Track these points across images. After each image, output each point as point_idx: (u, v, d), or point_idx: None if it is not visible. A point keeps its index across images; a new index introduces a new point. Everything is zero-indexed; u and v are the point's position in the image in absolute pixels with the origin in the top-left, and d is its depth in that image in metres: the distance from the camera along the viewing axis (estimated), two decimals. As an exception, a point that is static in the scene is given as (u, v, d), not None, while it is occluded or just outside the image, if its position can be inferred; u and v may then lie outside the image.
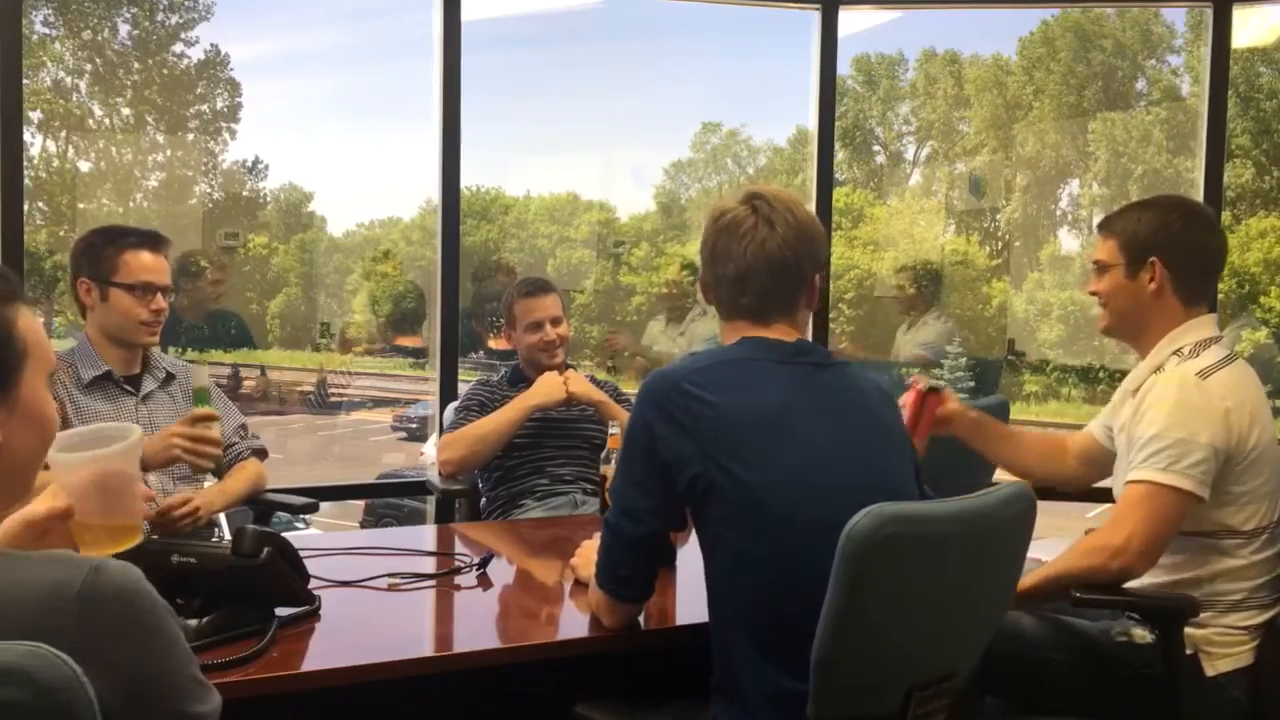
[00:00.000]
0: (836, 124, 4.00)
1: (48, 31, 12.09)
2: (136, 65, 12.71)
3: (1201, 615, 1.95)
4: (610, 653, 1.82)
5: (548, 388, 2.94)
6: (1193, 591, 1.97)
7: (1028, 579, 1.91)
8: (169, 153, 13.32)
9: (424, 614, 2.06)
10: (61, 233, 11.42)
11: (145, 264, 2.54)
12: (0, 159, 3.12)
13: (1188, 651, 1.94)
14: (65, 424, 2.41)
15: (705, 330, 5.22)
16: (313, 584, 1.84)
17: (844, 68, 15.71)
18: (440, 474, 2.96)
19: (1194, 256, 2.10)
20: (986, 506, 1.54)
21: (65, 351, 2.57)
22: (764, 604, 1.59)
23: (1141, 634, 1.97)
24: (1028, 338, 13.57)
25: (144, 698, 1.02)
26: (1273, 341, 12.43)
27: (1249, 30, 4.76)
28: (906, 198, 16.52)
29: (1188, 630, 1.94)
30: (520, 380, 3.08)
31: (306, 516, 6.80)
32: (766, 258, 1.69)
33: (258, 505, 2.71)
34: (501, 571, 2.35)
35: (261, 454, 2.75)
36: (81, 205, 12.25)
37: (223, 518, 2.76)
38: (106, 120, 13.24)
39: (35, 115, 11.60)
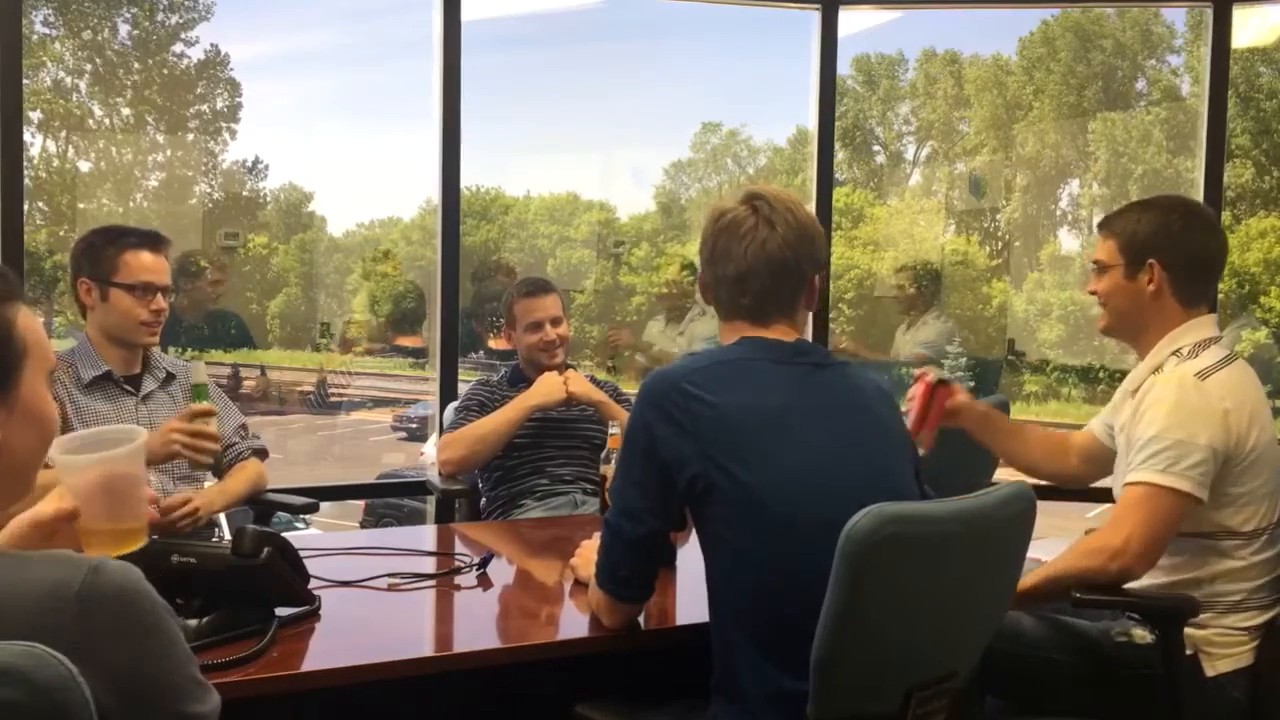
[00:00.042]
0: (836, 124, 4.00)
1: (48, 31, 12.10)
2: (136, 65, 12.72)
3: (1201, 616, 1.95)
4: (610, 653, 1.82)
5: (548, 388, 2.94)
6: (1193, 592, 1.97)
7: (1027, 579, 1.91)
8: (169, 153, 13.33)
9: (424, 614, 2.06)
10: (61, 233, 11.42)
11: (145, 264, 2.54)
12: (0, 159, 3.12)
13: (1188, 652, 1.94)
14: (65, 424, 2.41)
15: (704, 330, 5.22)
16: (313, 584, 1.84)
17: (844, 68, 15.70)
18: (440, 474, 2.96)
19: (1193, 257, 2.09)
20: (986, 506, 1.54)
21: (65, 351, 2.57)
22: (764, 604, 1.59)
23: (1141, 634, 1.97)
24: (1028, 338, 13.57)
25: (143, 697, 1.02)
26: (1273, 341, 12.43)
27: (1249, 30, 4.76)
28: (906, 198, 16.53)
29: (1188, 631, 1.94)
30: (520, 380, 3.08)
31: (306, 516, 6.80)
32: (767, 258, 1.69)
33: (258, 505, 2.71)
34: (501, 571, 2.35)
35: (262, 454, 2.75)
36: (81, 205, 12.26)
37: (223, 518, 2.76)
38: (106, 120, 13.25)
39: (35, 115, 11.61)
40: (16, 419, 1.10)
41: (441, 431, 3.26)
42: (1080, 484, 2.46)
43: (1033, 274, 14.85)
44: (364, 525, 7.62)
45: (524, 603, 2.19)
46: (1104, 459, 2.28)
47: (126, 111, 13.11)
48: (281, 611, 1.73)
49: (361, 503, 8.03)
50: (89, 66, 12.56)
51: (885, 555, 1.44)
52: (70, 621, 0.97)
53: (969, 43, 15.99)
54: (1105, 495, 2.23)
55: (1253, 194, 14.49)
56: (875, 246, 13.86)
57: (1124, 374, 2.22)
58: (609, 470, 2.25)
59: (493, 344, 9.36)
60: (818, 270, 1.77)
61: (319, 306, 13.77)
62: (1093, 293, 2.18)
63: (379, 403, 12.81)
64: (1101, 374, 11.66)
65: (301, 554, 1.78)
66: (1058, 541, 2.59)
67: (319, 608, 1.83)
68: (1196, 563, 1.98)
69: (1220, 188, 3.74)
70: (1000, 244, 15.67)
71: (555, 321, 3.05)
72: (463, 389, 3.31)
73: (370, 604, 1.95)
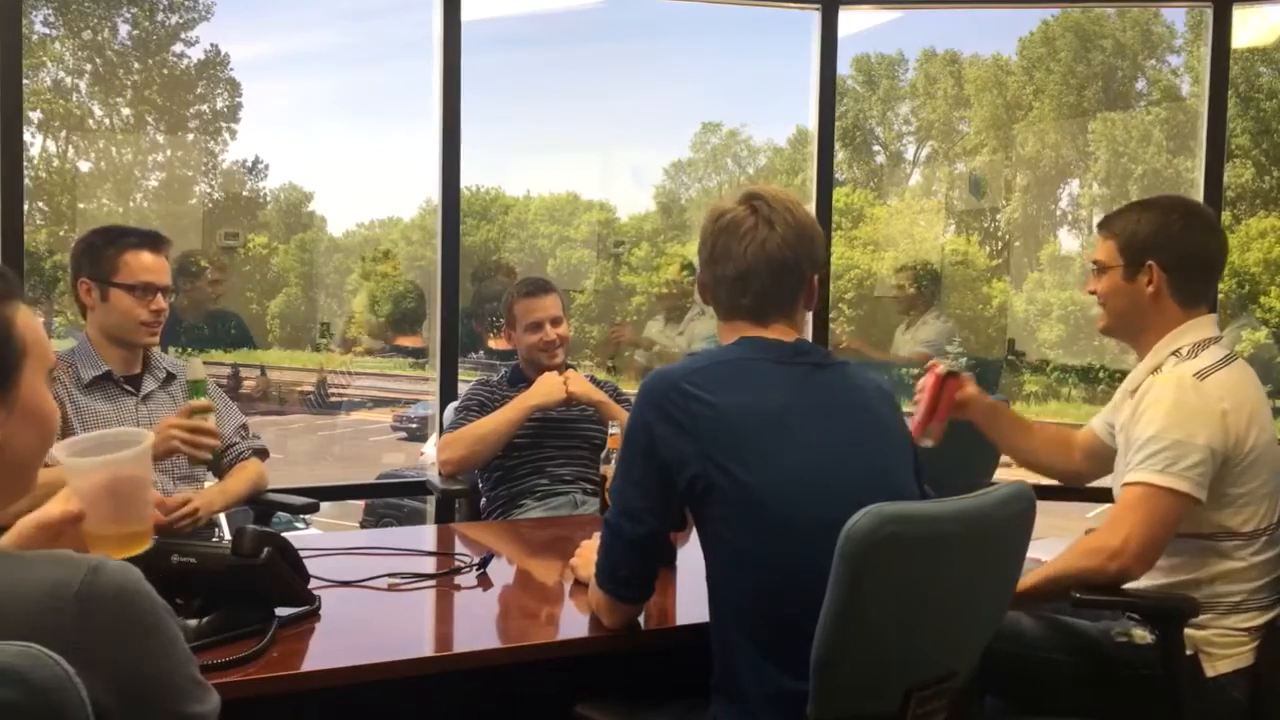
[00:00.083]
0: (836, 124, 4.00)
1: (48, 31, 12.11)
2: (136, 65, 12.72)
3: (1201, 617, 1.94)
4: (610, 653, 1.82)
5: (548, 388, 2.94)
6: (1193, 593, 1.96)
7: (1026, 579, 1.91)
8: (169, 153, 13.34)
9: (424, 614, 2.06)
10: (61, 233, 11.43)
11: (145, 264, 2.54)
12: (0, 159, 3.12)
13: (1188, 652, 1.94)
14: (65, 424, 2.41)
15: (704, 330, 5.21)
16: (313, 584, 1.84)
17: (844, 68, 15.72)
18: (440, 474, 2.96)
19: (1193, 258, 2.09)
20: (986, 506, 1.54)
21: (65, 351, 2.57)
22: (764, 604, 1.59)
23: (1142, 634, 1.97)
24: (1028, 338, 13.57)
25: (142, 698, 1.02)
26: (1273, 341, 12.44)
27: (1249, 30, 4.77)
28: (906, 198, 16.54)
29: (1188, 631, 1.93)
30: (520, 380, 3.08)
31: (306, 516, 6.80)
32: (767, 258, 1.69)
33: (258, 505, 2.71)
34: (501, 571, 2.35)
35: (262, 454, 2.75)
36: (81, 205, 12.26)
37: (223, 518, 2.76)
38: (106, 120, 13.26)
39: (35, 115, 11.62)
40: (16, 418, 1.11)
41: (441, 431, 3.26)
42: (1082, 481, 2.46)
43: (1033, 274, 14.86)
44: (364, 525, 7.61)
45: (524, 603, 2.19)
46: (1105, 456, 2.28)
47: (126, 111, 13.12)
48: (281, 611, 1.73)
49: (361, 503, 8.03)
50: (89, 66, 12.57)
51: (885, 555, 1.44)
52: (70, 621, 0.97)
53: (969, 43, 16.01)
54: (1105, 495, 2.23)
55: (1253, 194, 14.50)
56: (875, 246, 13.87)
57: (1124, 374, 2.22)
58: (609, 470, 2.25)
59: (493, 344, 9.36)
60: (817, 270, 1.77)
61: (319, 306, 13.77)
62: (1092, 293, 2.18)
63: (379, 403, 12.80)
64: (1101, 374, 11.66)
65: (301, 554, 1.78)
66: (1058, 541, 2.59)
67: (319, 608, 1.82)
68: (1196, 564, 1.98)
69: (1220, 188, 3.74)
70: (1000, 244, 15.68)
71: (555, 321, 3.05)
72: (463, 389, 3.31)
73: (370, 604, 1.95)
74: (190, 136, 13.45)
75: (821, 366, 1.71)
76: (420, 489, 3.72)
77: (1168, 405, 1.94)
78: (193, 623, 1.61)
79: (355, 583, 2.01)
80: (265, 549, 1.65)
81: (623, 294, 13.93)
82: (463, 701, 1.84)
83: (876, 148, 17.31)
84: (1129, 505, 1.93)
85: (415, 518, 7.02)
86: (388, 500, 7.78)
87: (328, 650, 1.74)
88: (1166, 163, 14.28)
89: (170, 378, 2.67)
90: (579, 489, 2.95)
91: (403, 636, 1.91)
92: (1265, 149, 14.67)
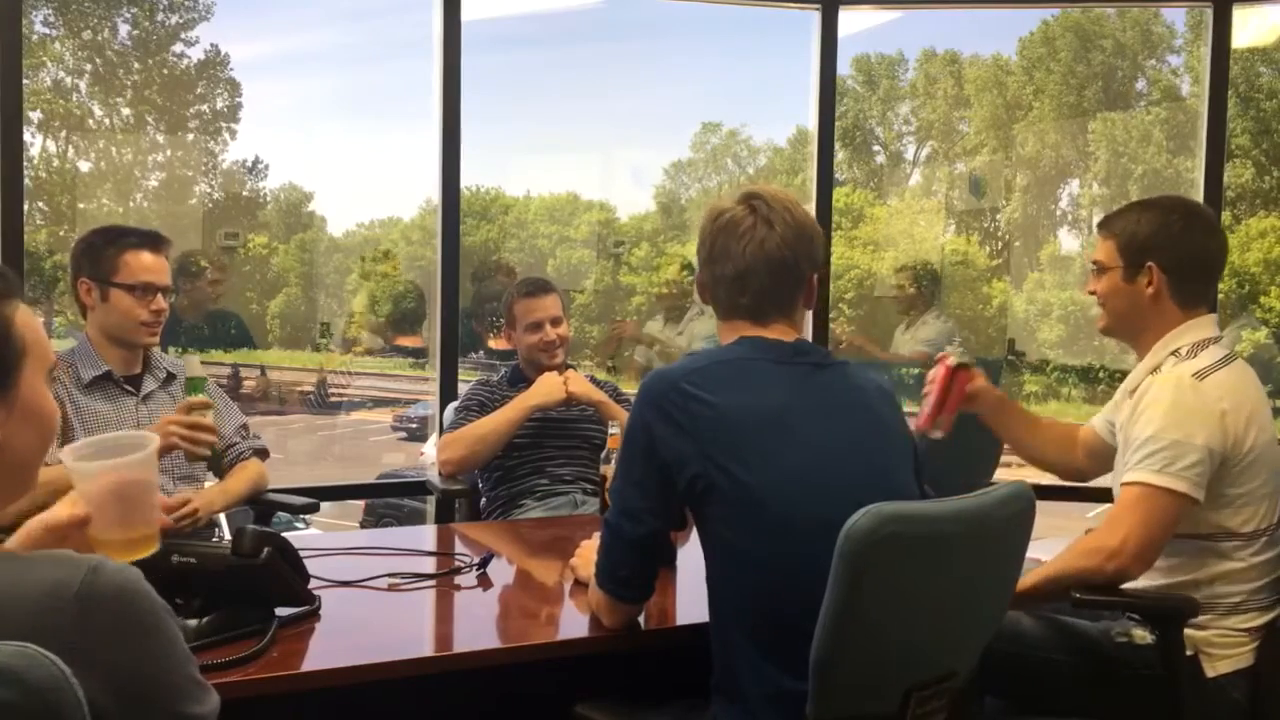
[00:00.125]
0: (836, 124, 4.00)
1: (48, 31, 12.11)
2: (136, 65, 12.73)
3: (1201, 617, 1.94)
4: (610, 653, 1.82)
5: (548, 388, 2.94)
6: (1192, 594, 1.96)
7: (1026, 579, 1.91)
8: (169, 153, 13.34)
9: (424, 614, 2.06)
10: (61, 233, 11.43)
11: (145, 264, 2.54)
12: (0, 159, 3.12)
13: (1188, 652, 1.94)
14: (65, 424, 2.41)
15: (704, 330, 5.21)
16: (313, 584, 1.84)
17: (844, 68, 15.71)
18: (440, 474, 2.96)
19: (1193, 259, 2.08)
20: (986, 506, 1.54)
21: (65, 351, 2.57)
22: (764, 604, 1.59)
23: (1141, 635, 1.97)
24: (1028, 338, 13.57)
25: (142, 698, 1.02)
26: (1273, 341, 12.44)
27: (1249, 30, 4.77)
28: (906, 198, 16.54)
29: (1188, 631, 1.93)
30: (520, 380, 3.08)
31: (306, 516, 6.80)
32: (766, 257, 1.69)
33: (258, 505, 2.71)
34: (501, 571, 2.35)
35: (263, 454, 2.75)
36: (81, 205, 12.26)
37: (223, 518, 2.76)
38: (106, 120, 13.26)
39: (35, 115, 11.62)
40: (16, 418, 1.11)
41: (441, 431, 3.26)
42: (1084, 478, 2.46)
43: (1033, 274, 14.86)
44: (364, 525, 7.61)
45: (524, 603, 2.19)
46: (1106, 454, 2.28)
47: (126, 111, 13.13)
48: (281, 611, 1.73)
49: (361, 503, 8.03)
50: (89, 66, 12.57)
51: (884, 555, 1.44)
52: (70, 621, 0.97)
53: (969, 43, 16.02)
54: (1105, 495, 2.23)
55: (1253, 194, 14.51)
56: (875, 246, 13.87)
57: (1124, 374, 2.22)
58: (609, 470, 2.25)
59: (493, 344, 9.36)
60: (816, 269, 1.77)
61: (319, 306, 13.77)
62: (1092, 293, 2.18)
63: (379, 403, 12.80)
64: (1101, 374, 11.66)
65: (301, 554, 1.78)
66: (1058, 541, 2.59)
67: (319, 608, 1.83)
68: (1196, 564, 1.98)
69: (1220, 188, 3.74)
70: (1000, 244, 15.68)
71: (555, 321, 3.05)
72: (463, 389, 3.31)
73: (370, 604, 1.95)
74: (190, 136, 13.45)
75: (821, 366, 1.71)
76: (420, 489, 3.72)
77: (1166, 405, 1.93)
78: (193, 623, 1.61)
79: (355, 583, 2.01)
80: (265, 549, 1.65)
81: (623, 294, 13.93)
82: (463, 701, 1.84)
83: (876, 148, 17.32)
84: (1127, 505, 1.93)
85: (415, 518, 7.03)
86: (388, 500, 7.78)
87: (328, 650, 1.74)
88: (1166, 163, 14.29)
89: (170, 378, 2.67)
90: (579, 489, 2.95)
91: (403, 636, 1.91)
92: (1265, 149, 14.67)
